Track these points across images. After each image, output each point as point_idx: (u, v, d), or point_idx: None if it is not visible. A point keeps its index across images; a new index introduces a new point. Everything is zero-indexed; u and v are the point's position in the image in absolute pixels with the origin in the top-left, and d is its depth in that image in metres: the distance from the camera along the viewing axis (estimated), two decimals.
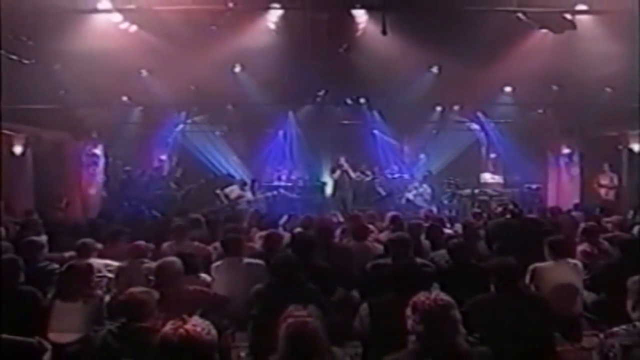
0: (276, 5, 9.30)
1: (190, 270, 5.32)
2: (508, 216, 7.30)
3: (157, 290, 4.53)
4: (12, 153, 13.14)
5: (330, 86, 14.18)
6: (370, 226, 8.68)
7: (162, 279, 4.51)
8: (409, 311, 2.96)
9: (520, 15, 8.53)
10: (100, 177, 13.66)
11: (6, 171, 12.39)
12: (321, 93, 14.26)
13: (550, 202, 13.67)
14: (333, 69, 13.10)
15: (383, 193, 14.82)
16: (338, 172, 14.13)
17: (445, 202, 14.25)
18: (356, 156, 16.50)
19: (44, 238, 6.58)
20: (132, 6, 8.92)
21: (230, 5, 8.26)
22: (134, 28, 10.27)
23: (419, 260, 5.46)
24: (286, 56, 11.73)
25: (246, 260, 5.77)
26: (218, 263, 5.85)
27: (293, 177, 15.35)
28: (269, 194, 14.30)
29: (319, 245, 5.97)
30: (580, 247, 6.57)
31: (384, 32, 8.53)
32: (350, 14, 9.74)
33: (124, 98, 14.20)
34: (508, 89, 14.58)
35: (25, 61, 10.51)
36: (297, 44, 11.10)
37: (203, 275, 5.40)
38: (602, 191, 13.42)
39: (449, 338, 2.87)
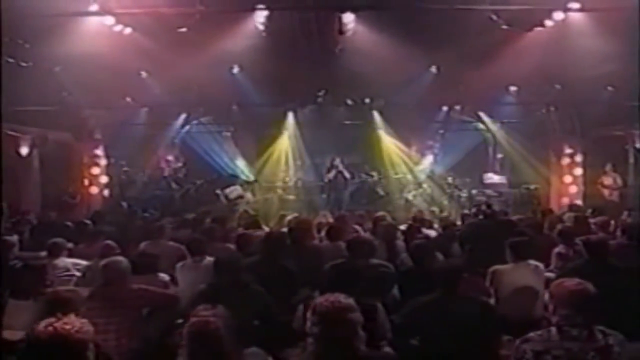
0: (261, 6, 9.33)
1: (149, 269, 5.42)
2: (481, 217, 7.21)
3: (106, 288, 4.63)
4: (19, 154, 13.45)
5: (330, 86, 14.21)
6: (357, 227, 8.72)
7: (107, 278, 4.58)
8: (309, 313, 2.94)
9: (493, 16, 8.41)
10: (102, 178, 13.88)
11: (13, 172, 12.72)
12: (321, 93, 14.28)
13: (553, 203, 13.48)
14: (331, 70, 13.15)
15: (382, 193, 14.76)
16: (333, 173, 14.11)
17: (445, 202, 14.14)
18: (361, 157, 16.48)
19: (15, 238, 6.72)
20: (96, 7, 8.98)
21: (201, 7, 8.27)
22: (128, 30, 10.42)
23: (375, 261, 5.44)
24: (281, 57, 11.79)
25: (209, 259, 5.81)
26: (182, 262, 5.93)
27: (294, 178, 15.37)
28: (267, 195, 14.37)
29: (286, 245, 5.98)
30: (556, 249, 6.47)
31: (341, 32, 8.53)
32: (336, 15, 9.73)
33: (128, 99, 14.41)
34: (513, 88, 14.41)
35: (23, 64, 10.74)
36: (290, 44, 11.16)
37: (162, 274, 5.46)
38: (606, 192, 13.15)
39: (345, 341, 2.84)
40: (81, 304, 3.83)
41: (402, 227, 8.36)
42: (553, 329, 3.11)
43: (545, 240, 7.15)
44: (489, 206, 7.54)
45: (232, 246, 7.05)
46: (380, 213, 9.23)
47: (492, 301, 5.21)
